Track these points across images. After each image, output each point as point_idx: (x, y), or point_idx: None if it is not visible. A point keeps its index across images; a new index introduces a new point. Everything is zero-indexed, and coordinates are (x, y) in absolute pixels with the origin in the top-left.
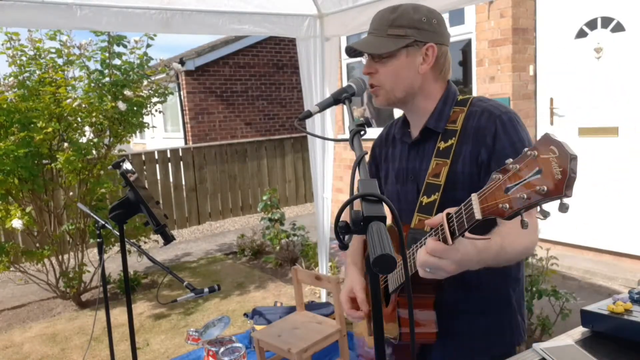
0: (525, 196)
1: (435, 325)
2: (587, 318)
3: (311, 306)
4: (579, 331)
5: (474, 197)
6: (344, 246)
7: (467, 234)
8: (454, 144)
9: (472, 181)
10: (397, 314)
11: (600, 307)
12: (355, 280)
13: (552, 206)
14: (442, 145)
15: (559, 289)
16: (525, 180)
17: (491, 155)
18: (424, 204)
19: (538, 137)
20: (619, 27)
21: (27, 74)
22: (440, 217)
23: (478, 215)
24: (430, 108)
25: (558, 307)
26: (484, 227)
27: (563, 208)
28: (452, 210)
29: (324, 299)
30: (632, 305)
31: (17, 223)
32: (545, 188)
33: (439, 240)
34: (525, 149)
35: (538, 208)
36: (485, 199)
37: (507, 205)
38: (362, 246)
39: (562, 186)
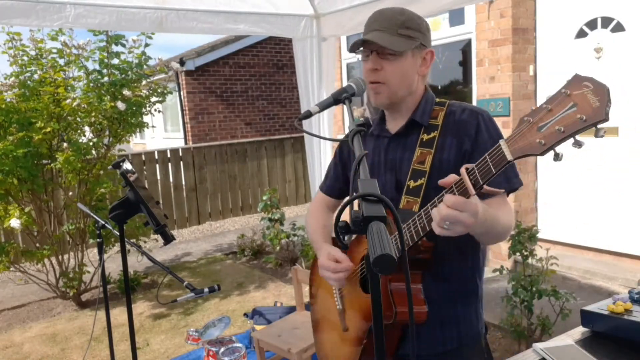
0: (562, 129)
1: (425, 303)
2: (587, 318)
3: None
4: (579, 331)
5: (502, 142)
6: (344, 246)
7: (485, 187)
8: (436, 136)
9: (457, 167)
10: (389, 290)
11: (600, 307)
12: (332, 248)
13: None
14: (425, 137)
15: (559, 289)
16: (559, 115)
17: (474, 147)
18: (411, 187)
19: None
20: (619, 27)
21: (28, 74)
22: (454, 177)
23: (509, 157)
24: (414, 105)
25: (558, 307)
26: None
27: (600, 133)
28: (469, 165)
29: None
30: (632, 305)
31: (15, 222)
32: (584, 117)
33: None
34: (559, 89)
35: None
36: (516, 141)
37: (543, 141)
38: (326, 230)
39: (602, 111)
